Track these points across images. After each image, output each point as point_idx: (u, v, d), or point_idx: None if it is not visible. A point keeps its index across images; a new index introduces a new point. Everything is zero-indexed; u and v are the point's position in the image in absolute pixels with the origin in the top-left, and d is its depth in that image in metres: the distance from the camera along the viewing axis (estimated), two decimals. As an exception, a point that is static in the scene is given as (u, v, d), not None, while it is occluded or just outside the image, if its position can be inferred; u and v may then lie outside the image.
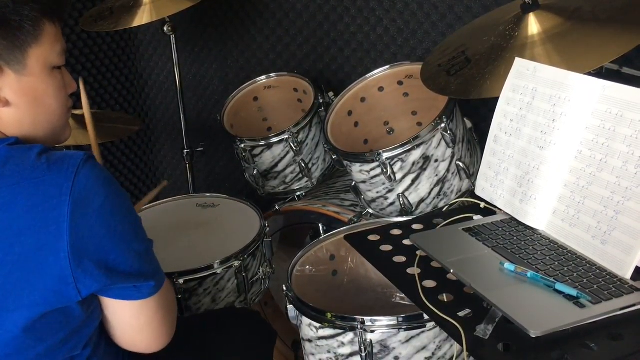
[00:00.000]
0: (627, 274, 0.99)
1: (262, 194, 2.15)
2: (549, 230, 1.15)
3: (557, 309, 0.93)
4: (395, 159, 1.64)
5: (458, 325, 0.94)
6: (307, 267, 1.59)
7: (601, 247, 1.03)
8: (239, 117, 2.23)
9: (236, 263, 1.64)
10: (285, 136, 1.96)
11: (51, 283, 0.96)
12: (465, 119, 1.75)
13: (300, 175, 2.06)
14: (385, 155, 1.63)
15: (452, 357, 1.30)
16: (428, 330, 1.27)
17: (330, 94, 2.07)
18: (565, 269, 1.03)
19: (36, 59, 1.03)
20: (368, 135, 2.00)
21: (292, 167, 2.04)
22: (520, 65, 1.23)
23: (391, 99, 1.97)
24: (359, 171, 1.73)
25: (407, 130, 1.98)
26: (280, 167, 2.04)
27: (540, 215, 1.16)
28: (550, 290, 0.97)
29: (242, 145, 2.02)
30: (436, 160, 1.65)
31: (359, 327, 1.27)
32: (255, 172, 2.08)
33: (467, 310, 0.97)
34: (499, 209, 1.27)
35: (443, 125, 1.61)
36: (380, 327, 1.27)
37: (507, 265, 1.04)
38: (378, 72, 1.93)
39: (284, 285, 1.43)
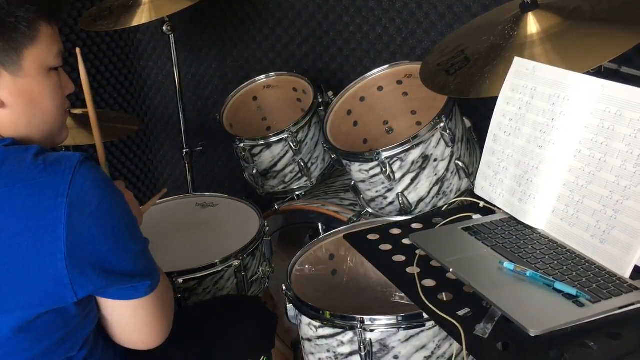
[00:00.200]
0: (626, 273, 0.99)
1: (262, 193, 2.15)
2: (548, 229, 1.15)
3: (556, 307, 0.93)
4: (395, 158, 1.64)
5: (457, 325, 0.94)
6: (307, 266, 1.59)
7: (600, 246, 1.03)
8: (238, 117, 2.23)
9: (235, 262, 1.64)
10: (285, 135, 1.97)
11: (47, 285, 0.96)
12: (464, 118, 1.75)
13: (300, 175, 2.06)
14: (385, 154, 1.63)
15: (452, 356, 1.30)
16: (427, 330, 1.27)
17: (330, 93, 2.07)
18: (564, 268, 1.03)
19: (32, 61, 1.02)
20: (367, 134, 2.00)
21: (291, 167, 2.04)
22: (519, 64, 1.23)
23: (390, 99, 1.97)
24: (358, 170, 1.73)
25: (407, 130, 1.98)
26: (280, 166, 2.04)
27: (539, 214, 1.16)
28: (549, 289, 0.97)
29: (242, 145, 2.02)
30: (435, 160, 1.65)
31: (359, 326, 1.27)
32: (254, 172, 2.08)
33: (467, 309, 0.98)
34: (498, 208, 1.27)
35: (442, 124, 1.62)
36: (379, 326, 1.27)
37: (507, 264, 1.04)
38: (377, 72, 1.94)
39: (283, 285, 1.43)
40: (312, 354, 1.39)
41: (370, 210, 1.81)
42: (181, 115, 2.38)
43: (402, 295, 1.59)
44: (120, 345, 1.16)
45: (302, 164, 2.03)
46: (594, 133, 1.07)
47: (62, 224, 0.94)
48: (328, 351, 1.35)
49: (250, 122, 2.27)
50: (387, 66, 1.93)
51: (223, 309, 1.49)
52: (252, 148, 2.02)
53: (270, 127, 2.31)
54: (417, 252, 1.15)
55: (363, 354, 1.28)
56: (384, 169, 1.65)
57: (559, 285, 0.96)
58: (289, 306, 1.40)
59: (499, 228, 1.19)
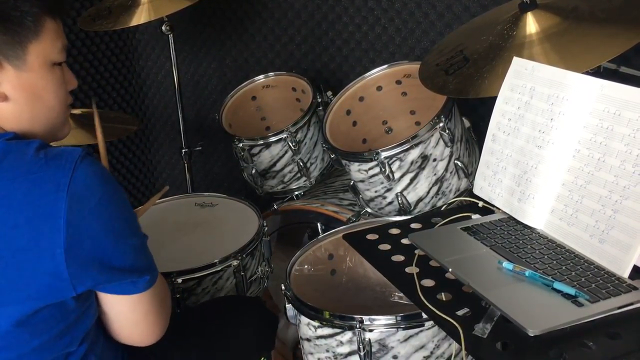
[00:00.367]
0: (625, 273, 0.99)
1: (261, 193, 2.15)
2: (547, 229, 1.15)
3: (555, 307, 0.93)
4: (394, 158, 1.64)
5: (456, 324, 0.94)
6: (306, 266, 1.59)
7: (599, 246, 1.03)
8: (237, 117, 2.23)
9: (235, 262, 1.64)
10: (284, 135, 1.97)
11: (46, 279, 0.96)
12: (463, 118, 1.75)
13: (299, 175, 2.06)
14: (384, 154, 1.63)
15: (451, 356, 1.30)
16: (426, 329, 1.27)
17: (329, 93, 2.07)
18: (563, 267, 1.03)
19: (36, 55, 1.03)
20: (366, 134, 2.00)
21: (290, 167, 2.04)
22: (518, 64, 1.23)
23: (389, 98, 1.97)
24: (357, 170, 1.73)
25: (406, 130, 1.98)
26: (279, 166, 2.04)
27: (538, 214, 1.16)
28: (548, 289, 0.97)
29: (241, 145, 2.02)
30: (434, 160, 1.65)
31: (358, 326, 1.27)
32: (253, 172, 2.08)
33: (466, 309, 0.97)
34: (497, 208, 1.27)
35: (441, 124, 1.62)
36: (378, 326, 1.27)
37: (506, 264, 1.04)
38: (376, 72, 1.94)
39: (282, 285, 1.43)
40: (312, 354, 1.39)
41: (369, 210, 1.81)
42: (180, 115, 2.38)
43: (401, 295, 1.59)
44: (121, 344, 1.16)
45: (301, 164, 2.03)
46: (593, 133, 1.07)
47: (62, 219, 0.94)
48: (327, 351, 1.35)
49: (249, 122, 2.27)
50: (386, 66, 1.93)
51: (223, 310, 1.50)
52: (251, 148, 2.02)
53: (269, 127, 2.31)
54: (416, 252, 1.15)
55: (362, 353, 1.28)
56: (383, 169, 1.65)
57: (558, 285, 0.96)
58: (288, 306, 1.40)
59: (498, 228, 1.19)
